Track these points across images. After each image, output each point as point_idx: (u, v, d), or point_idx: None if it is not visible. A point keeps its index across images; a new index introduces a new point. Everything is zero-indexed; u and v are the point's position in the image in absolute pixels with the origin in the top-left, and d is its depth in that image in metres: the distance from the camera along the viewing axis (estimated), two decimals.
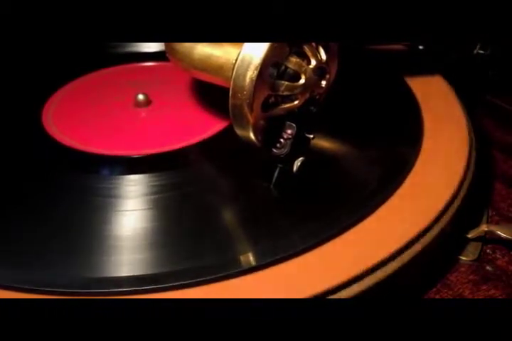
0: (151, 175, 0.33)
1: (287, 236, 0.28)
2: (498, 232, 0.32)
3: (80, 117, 0.38)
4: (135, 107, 0.39)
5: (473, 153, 0.35)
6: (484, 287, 0.31)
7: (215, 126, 0.37)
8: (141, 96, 0.39)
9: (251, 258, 0.27)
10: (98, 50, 0.46)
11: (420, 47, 0.42)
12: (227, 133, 0.35)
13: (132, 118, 0.38)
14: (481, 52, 0.38)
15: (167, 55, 0.33)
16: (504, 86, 0.45)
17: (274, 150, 0.30)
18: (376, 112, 0.38)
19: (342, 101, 0.36)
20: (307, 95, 0.30)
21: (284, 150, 0.30)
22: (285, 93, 0.29)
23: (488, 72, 0.43)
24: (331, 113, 0.35)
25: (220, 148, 0.35)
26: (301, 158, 0.31)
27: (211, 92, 0.35)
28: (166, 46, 0.33)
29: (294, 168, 0.31)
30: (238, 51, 0.28)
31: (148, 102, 0.39)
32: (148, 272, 0.27)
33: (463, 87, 0.40)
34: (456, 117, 0.37)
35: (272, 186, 0.31)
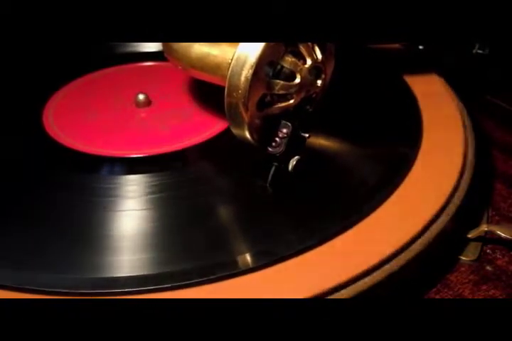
0: (150, 175, 0.33)
1: (286, 236, 0.28)
2: (498, 232, 0.32)
3: (80, 117, 0.38)
4: (135, 107, 0.39)
5: (473, 153, 0.34)
6: (484, 287, 0.31)
7: (215, 126, 0.37)
8: (141, 96, 0.39)
9: (250, 258, 0.27)
10: (98, 50, 0.46)
11: (420, 47, 0.42)
12: (227, 134, 0.35)
13: (132, 119, 0.38)
14: (480, 51, 0.38)
15: (165, 54, 0.33)
16: (504, 86, 0.45)
17: (270, 149, 0.30)
18: (375, 112, 0.38)
19: (341, 100, 0.36)
20: (303, 94, 0.30)
21: (280, 149, 0.30)
22: (280, 92, 0.29)
23: (487, 71, 0.43)
24: (330, 112, 0.35)
25: (219, 149, 0.35)
26: (296, 157, 0.31)
27: (211, 92, 0.35)
28: (163, 46, 0.33)
29: (290, 167, 0.31)
30: (235, 50, 0.28)
31: (148, 102, 0.39)
32: (148, 272, 0.27)
33: (462, 87, 0.40)
34: (455, 117, 0.37)
35: (268, 185, 0.31)
